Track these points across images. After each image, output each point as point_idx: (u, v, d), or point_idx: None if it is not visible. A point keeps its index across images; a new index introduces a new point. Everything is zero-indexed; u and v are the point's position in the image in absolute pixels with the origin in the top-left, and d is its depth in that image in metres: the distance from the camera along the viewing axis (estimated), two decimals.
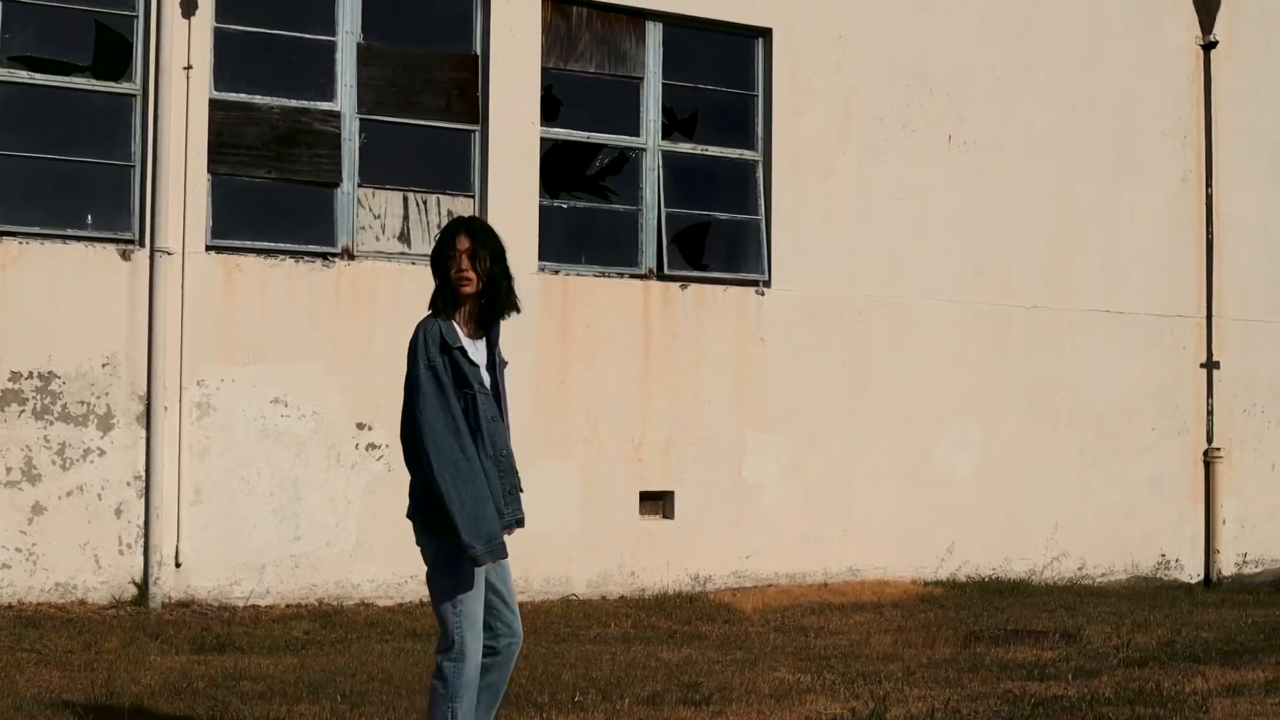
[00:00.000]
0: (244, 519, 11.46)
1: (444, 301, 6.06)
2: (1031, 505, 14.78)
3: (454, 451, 5.90)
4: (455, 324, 6.03)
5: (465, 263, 6.00)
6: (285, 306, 11.64)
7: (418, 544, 6.16)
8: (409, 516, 6.16)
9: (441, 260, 6.07)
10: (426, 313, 6.04)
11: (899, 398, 14.08)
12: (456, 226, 6.12)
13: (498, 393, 6.16)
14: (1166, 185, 15.68)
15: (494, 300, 6.09)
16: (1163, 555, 15.50)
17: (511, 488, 6.15)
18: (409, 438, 6.07)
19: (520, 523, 6.20)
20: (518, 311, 6.17)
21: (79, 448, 10.97)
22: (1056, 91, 15.03)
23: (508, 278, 6.13)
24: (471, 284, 6.02)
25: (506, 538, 6.05)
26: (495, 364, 6.15)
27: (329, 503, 11.73)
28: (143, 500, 11.12)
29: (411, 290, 11.92)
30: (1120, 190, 15.37)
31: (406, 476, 11.76)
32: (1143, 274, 15.48)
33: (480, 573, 6.00)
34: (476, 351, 6.08)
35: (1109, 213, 15.30)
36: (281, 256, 11.69)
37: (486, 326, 6.14)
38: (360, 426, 11.83)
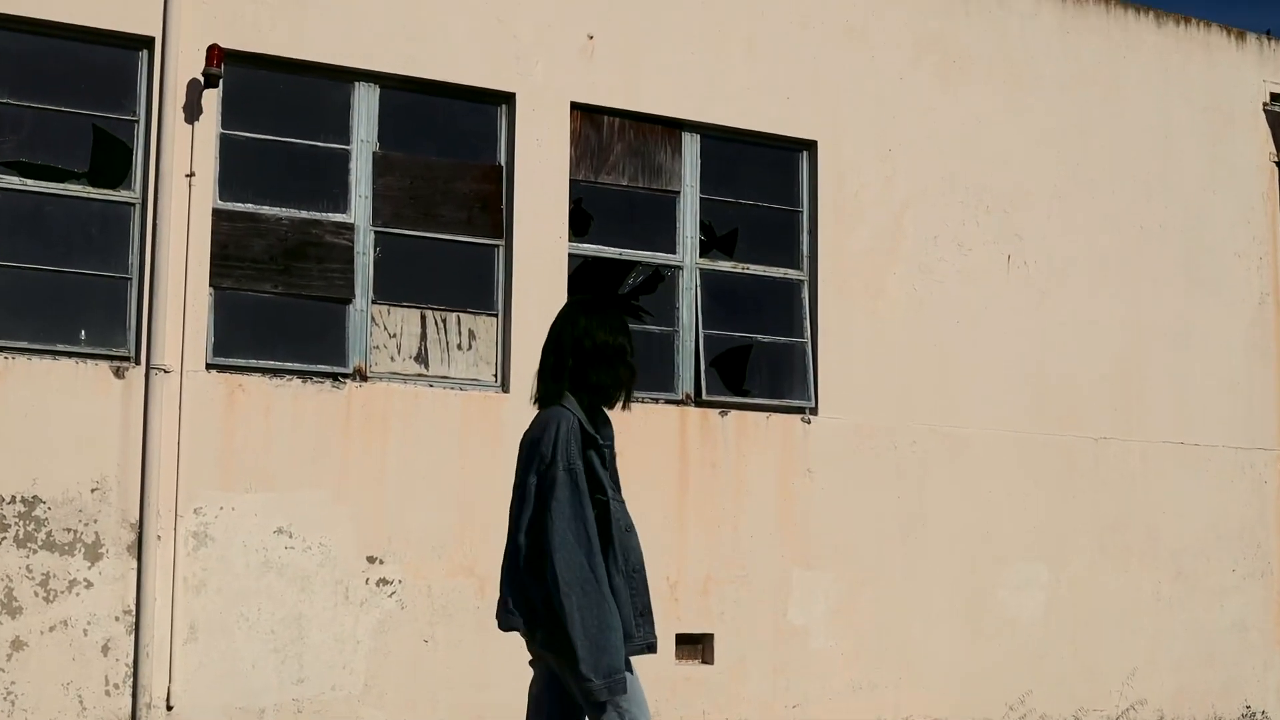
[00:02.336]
0: (242, 659, 10.62)
1: (609, 390, 5.64)
2: (1104, 650, 13.73)
3: (584, 570, 5.28)
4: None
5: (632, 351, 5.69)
6: (291, 430, 10.90)
7: (532, 654, 5.64)
8: (509, 628, 5.59)
9: (615, 345, 5.61)
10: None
11: (957, 534, 13.15)
12: (619, 314, 5.70)
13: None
14: (1242, 309, 14.80)
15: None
16: (1248, 707, 14.38)
17: (644, 607, 5.53)
18: (536, 542, 5.45)
19: (652, 647, 5.55)
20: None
21: (64, 579, 10.20)
22: (1122, 209, 14.25)
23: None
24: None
25: (637, 658, 5.56)
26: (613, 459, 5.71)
27: (336, 642, 10.89)
28: (132, 637, 10.32)
29: (428, 414, 11.21)
30: (1192, 314, 14.51)
31: (420, 614, 11.03)
32: (1219, 404, 14.55)
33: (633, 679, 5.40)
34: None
35: (1180, 338, 14.42)
36: (288, 376, 10.97)
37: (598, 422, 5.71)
38: (371, 560, 11.02)
